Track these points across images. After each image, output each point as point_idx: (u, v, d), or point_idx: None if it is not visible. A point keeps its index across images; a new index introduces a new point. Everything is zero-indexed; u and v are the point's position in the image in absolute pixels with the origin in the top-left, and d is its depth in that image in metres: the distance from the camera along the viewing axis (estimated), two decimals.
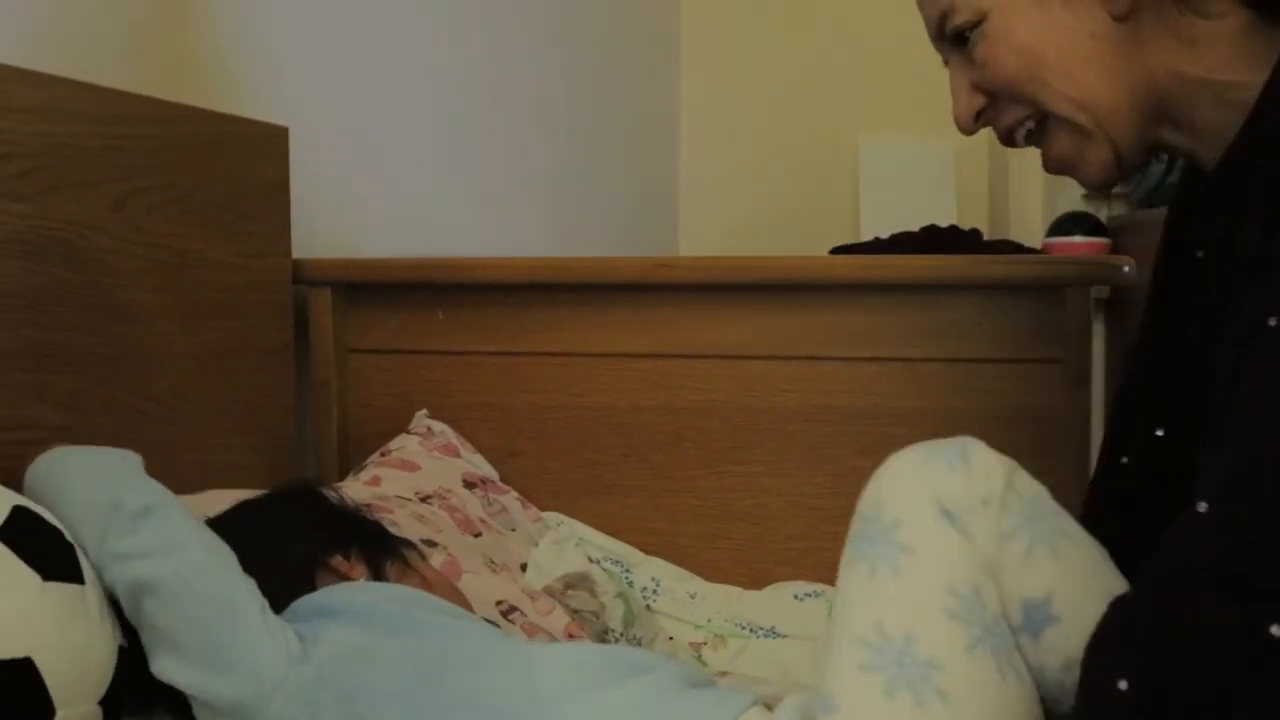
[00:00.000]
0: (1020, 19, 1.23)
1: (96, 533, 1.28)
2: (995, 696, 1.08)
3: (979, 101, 1.29)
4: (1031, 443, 1.88)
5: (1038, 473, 1.83)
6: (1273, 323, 0.99)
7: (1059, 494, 1.84)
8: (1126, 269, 1.85)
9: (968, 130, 1.31)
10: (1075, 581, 1.13)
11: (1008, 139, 1.31)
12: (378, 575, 1.41)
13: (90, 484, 1.33)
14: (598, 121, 3.55)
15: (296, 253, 2.03)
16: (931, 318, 1.92)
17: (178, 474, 1.72)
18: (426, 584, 1.42)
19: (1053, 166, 1.30)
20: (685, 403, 2.00)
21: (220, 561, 1.28)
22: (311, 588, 1.35)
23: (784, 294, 1.96)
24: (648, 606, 1.94)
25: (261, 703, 1.21)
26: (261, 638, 1.24)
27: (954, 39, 1.28)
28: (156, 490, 1.34)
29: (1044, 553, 1.13)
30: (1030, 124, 1.28)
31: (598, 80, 3.56)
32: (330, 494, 1.55)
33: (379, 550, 1.44)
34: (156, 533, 1.28)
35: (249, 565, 1.30)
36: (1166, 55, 1.21)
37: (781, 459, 1.98)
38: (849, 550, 1.13)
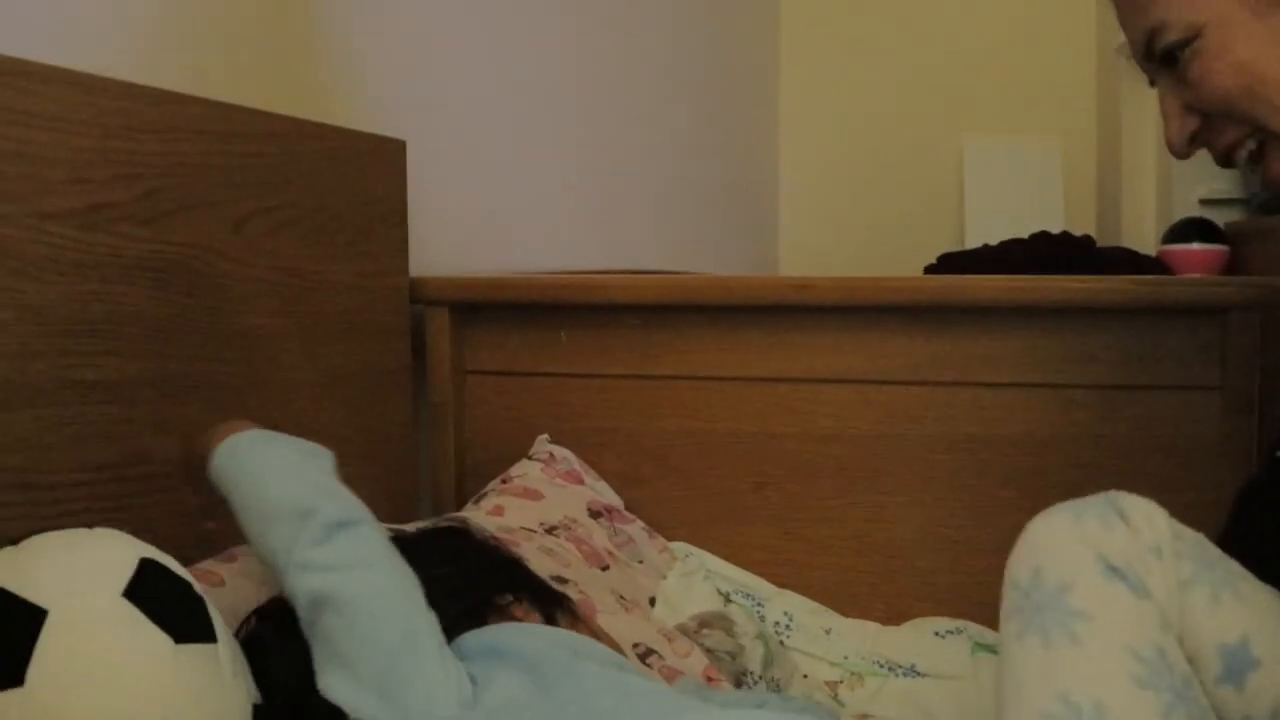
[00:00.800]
0: (1239, 32, 1.16)
1: (286, 536, 1.22)
2: None
3: (1193, 123, 1.21)
4: (1187, 473, 1.79)
5: (1197, 505, 1.75)
6: None
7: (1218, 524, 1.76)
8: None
9: (1181, 154, 1.23)
10: (1266, 621, 1.09)
11: (1225, 160, 1.22)
12: (550, 624, 1.33)
13: (286, 482, 1.27)
14: (701, 130, 3.49)
15: (413, 271, 1.96)
16: (1083, 341, 1.83)
17: None
18: (594, 636, 1.35)
19: (1273, 186, 1.22)
20: (820, 429, 1.91)
21: (406, 589, 1.22)
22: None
23: (925, 316, 1.87)
24: (781, 643, 1.85)
25: None
26: (437, 673, 1.17)
27: (1164, 58, 1.19)
28: (353, 504, 1.27)
29: (1228, 596, 1.08)
30: (1252, 144, 1.20)
31: (701, 89, 3.50)
32: (487, 535, 1.48)
33: (549, 599, 1.36)
34: (348, 549, 1.21)
35: (428, 598, 1.23)
36: None
37: (921, 489, 1.89)
38: (1014, 623, 1.07)
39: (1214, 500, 1.76)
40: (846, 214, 4.00)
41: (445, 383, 1.99)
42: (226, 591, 1.40)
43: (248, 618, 1.33)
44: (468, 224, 2.25)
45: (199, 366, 1.54)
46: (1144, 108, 3.70)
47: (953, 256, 3.51)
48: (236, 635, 1.28)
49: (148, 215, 1.47)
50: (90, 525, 1.21)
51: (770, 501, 1.94)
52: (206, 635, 1.15)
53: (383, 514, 1.75)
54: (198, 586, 1.19)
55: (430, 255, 2.09)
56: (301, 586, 1.20)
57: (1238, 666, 1.06)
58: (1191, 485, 1.78)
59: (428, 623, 1.21)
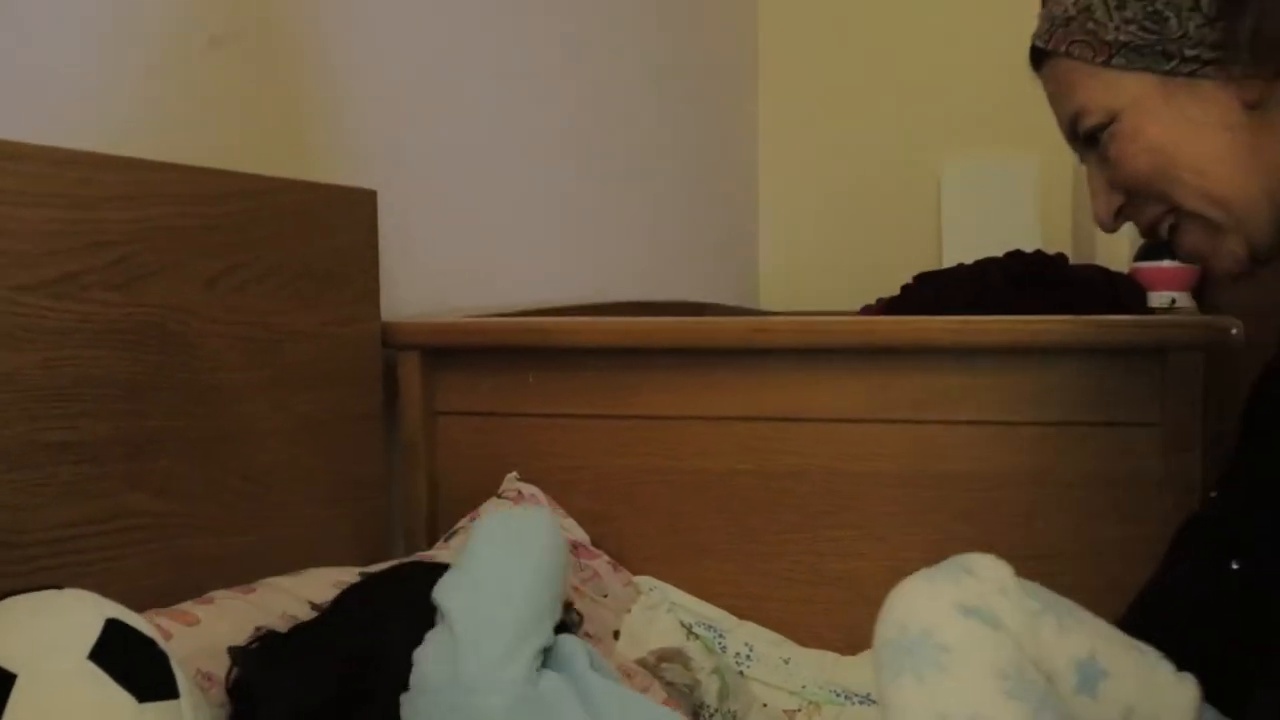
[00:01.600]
0: (1150, 117, 1.23)
1: (498, 649, 1.30)
2: None
3: (1118, 200, 1.30)
4: (1130, 507, 1.85)
5: (1138, 538, 1.82)
6: None
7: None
8: (1235, 331, 1.80)
9: (1109, 228, 1.32)
10: (1108, 639, 1.21)
11: (1150, 233, 1.31)
12: None
13: (528, 595, 1.35)
14: (679, 158, 3.54)
15: (386, 314, 2.02)
16: (1033, 380, 1.88)
17: (274, 552, 1.74)
18: None
19: (1184, 258, 1.31)
20: (781, 466, 1.97)
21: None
22: None
23: (881, 357, 1.92)
24: (740, 673, 1.91)
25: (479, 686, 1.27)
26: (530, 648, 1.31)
27: (1087, 139, 1.28)
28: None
29: (1072, 622, 1.19)
30: (1171, 219, 1.27)
31: (678, 116, 3.55)
32: None
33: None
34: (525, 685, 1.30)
35: None
36: None
37: (878, 523, 1.95)
38: (886, 670, 1.16)
39: (1157, 534, 1.83)
40: (826, 236, 4.06)
41: (416, 424, 2.05)
42: (201, 630, 1.47)
43: (232, 657, 1.40)
44: (447, 264, 2.31)
45: (171, 423, 1.61)
46: None
47: (929, 276, 3.56)
48: (226, 678, 1.37)
49: (119, 280, 1.53)
50: (65, 580, 1.28)
51: (732, 536, 1.99)
52: (169, 692, 1.21)
53: (356, 554, 1.83)
54: (161, 643, 1.25)
55: (410, 296, 2.15)
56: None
57: (1090, 677, 1.16)
58: (1134, 519, 1.84)
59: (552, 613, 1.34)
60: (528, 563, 1.36)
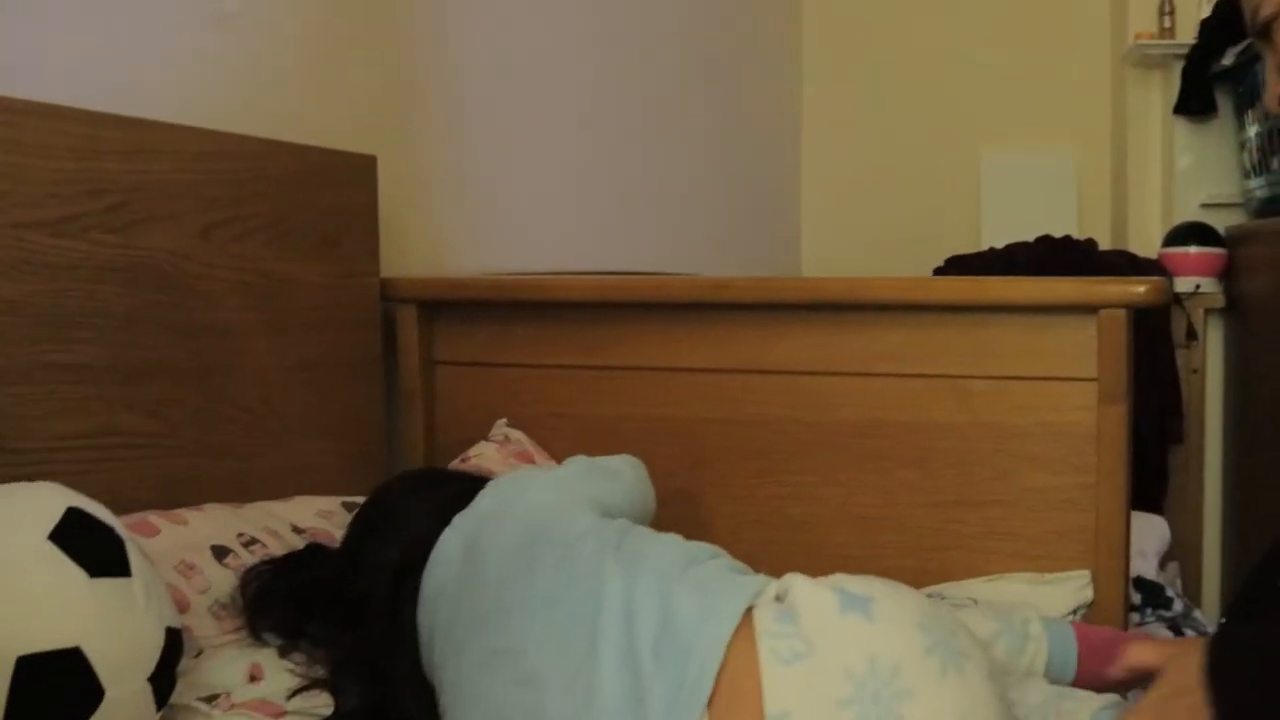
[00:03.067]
0: None
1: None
2: None
3: None
4: (1066, 455, 1.97)
5: (1075, 486, 1.94)
6: None
7: (1095, 503, 1.94)
8: (1151, 291, 1.91)
9: (1274, 112, 1.43)
10: None
11: None
12: None
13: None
14: (721, 139, 3.67)
15: (424, 268, 2.24)
16: (975, 336, 2.00)
17: (267, 477, 1.92)
18: None
19: None
20: (744, 415, 2.11)
21: None
22: None
23: (835, 313, 2.05)
24: None
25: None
26: None
27: (1261, 31, 1.40)
28: None
29: None
30: None
31: (726, 103, 3.68)
32: None
33: None
34: None
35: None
36: None
37: (834, 470, 2.08)
38: None
39: (1091, 482, 1.95)
40: (867, 221, 4.17)
41: (414, 372, 2.22)
42: (189, 530, 1.68)
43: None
44: (484, 226, 2.52)
45: (166, 354, 1.79)
46: (1149, 115, 3.84)
47: (959, 259, 3.67)
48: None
49: (117, 224, 1.72)
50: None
51: (701, 480, 2.14)
52: (121, 570, 1.39)
53: (351, 488, 1.99)
54: (120, 531, 1.42)
55: (447, 257, 2.37)
56: None
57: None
58: (1070, 467, 1.96)
59: None
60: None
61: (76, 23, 1.78)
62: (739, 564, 1.56)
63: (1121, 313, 1.92)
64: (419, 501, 1.68)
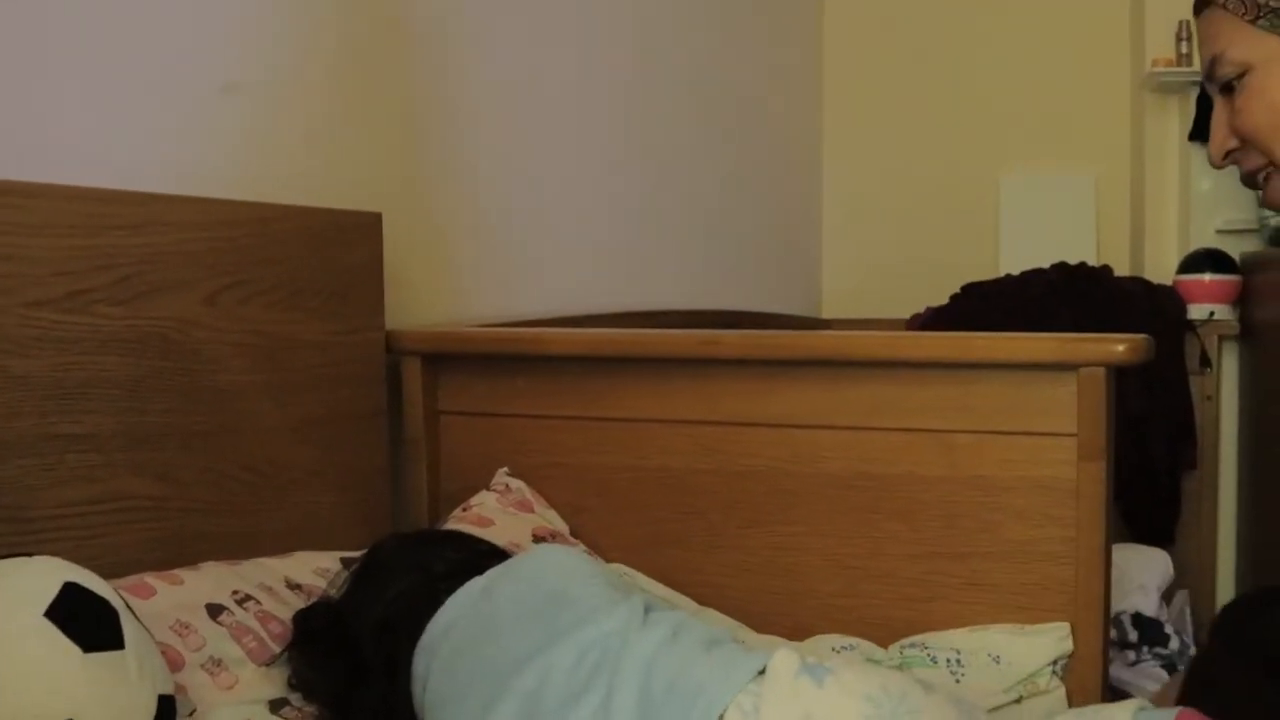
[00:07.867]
0: (1278, 79, 1.41)
1: None
2: None
3: (1232, 142, 1.47)
4: (1047, 509, 2.02)
5: (1056, 539, 1.99)
6: None
7: (1075, 555, 1.99)
8: (1129, 350, 1.95)
9: (1217, 165, 1.50)
10: None
11: (1249, 181, 1.49)
12: None
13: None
14: (741, 171, 3.72)
15: (433, 316, 2.33)
16: (959, 392, 2.05)
17: (273, 533, 1.99)
18: None
19: (1269, 205, 1.50)
20: (737, 466, 2.17)
21: None
22: None
23: (823, 368, 2.11)
24: None
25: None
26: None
27: (1222, 85, 1.46)
28: None
29: None
30: (1267, 171, 1.46)
31: (745, 133, 3.73)
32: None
33: None
34: None
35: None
36: None
37: (823, 521, 2.14)
38: None
39: (1071, 535, 2.00)
40: (887, 249, 4.21)
41: (418, 423, 2.30)
42: (184, 589, 1.75)
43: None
44: (503, 271, 2.59)
45: (171, 418, 1.87)
46: (1166, 142, 3.86)
47: (974, 287, 3.72)
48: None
49: (123, 296, 1.80)
50: (65, 551, 1.53)
51: (695, 529, 2.20)
52: (115, 643, 1.46)
53: (364, 539, 2.06)
54: (115, 602, 1.50)
55: (459, 306, 2.44)
56: None
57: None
58: (1050, 520, 2.01)
59: None
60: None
61: (83, 101, 1.85)
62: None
63: (1100, 371, 1.96)
64: (407, 559, 1.77)
